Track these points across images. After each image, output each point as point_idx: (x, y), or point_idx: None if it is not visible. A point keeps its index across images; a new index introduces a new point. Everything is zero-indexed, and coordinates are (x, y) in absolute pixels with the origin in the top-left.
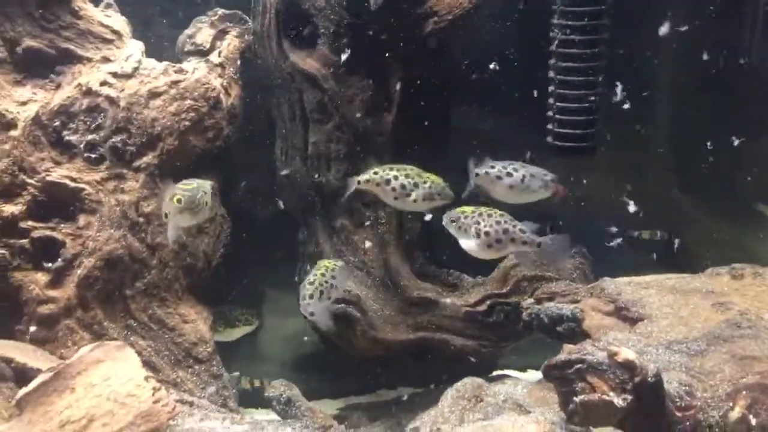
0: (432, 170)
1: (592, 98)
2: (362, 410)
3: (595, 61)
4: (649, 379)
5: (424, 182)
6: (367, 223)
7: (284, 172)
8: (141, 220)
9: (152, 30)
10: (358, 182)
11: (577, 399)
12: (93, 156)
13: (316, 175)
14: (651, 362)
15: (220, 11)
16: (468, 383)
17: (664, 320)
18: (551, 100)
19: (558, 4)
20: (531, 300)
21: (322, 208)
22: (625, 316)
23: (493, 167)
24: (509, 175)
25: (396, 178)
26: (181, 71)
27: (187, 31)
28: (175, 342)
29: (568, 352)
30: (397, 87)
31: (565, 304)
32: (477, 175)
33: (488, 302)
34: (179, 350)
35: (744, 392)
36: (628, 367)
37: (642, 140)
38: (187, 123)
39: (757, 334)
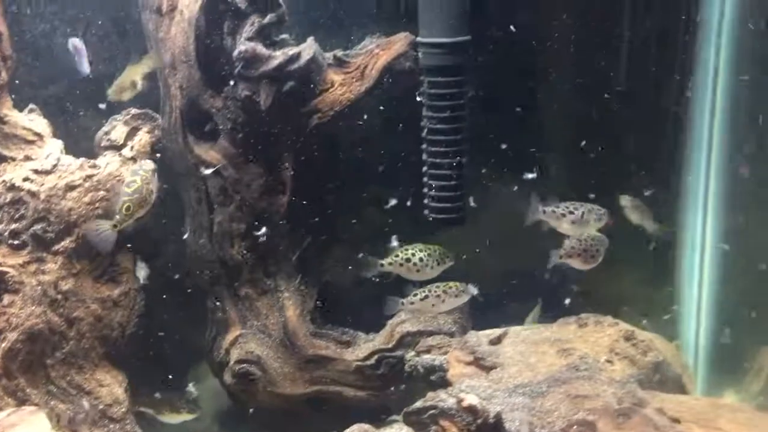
0: (325, 241)
1: (459, 177)
2: None
3: (459, 146)
4: (490, 420)
5: (434, 252)
6: (269, 290)
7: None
8: (59, 297)
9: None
10: (382, 265)
11: None
12: (16, 242)
13: (221, 251)
14: (496, 405)
15: (133, 110)
16: (355, 429)
17: (513, 367)
18: (425, 179)
19: (425, 98)
20: (413, 353)
21: (228, 279)
22: (482, 365)
23: (558, 207)
24: (571, 213)
25: (414, 255)
26: (95, 166)
27: (104, 128)
28: (92, 404)
29: (424, 399)
30: (290, 172)
31: (438, 356)
32: (545, 212)
33: (376, 356)
34: (95, 411)
35: (575, 427)
36: (472, 410)
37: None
38: (100, 211)
39: (591, 375)
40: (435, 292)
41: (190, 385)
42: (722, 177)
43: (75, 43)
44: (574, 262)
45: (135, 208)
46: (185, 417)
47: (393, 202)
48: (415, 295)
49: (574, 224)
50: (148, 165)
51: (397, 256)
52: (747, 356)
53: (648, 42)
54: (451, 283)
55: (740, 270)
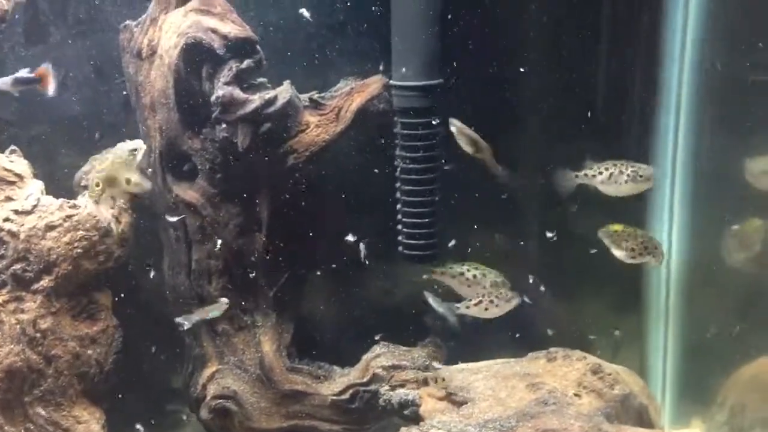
0: (301, 276)
1: (431, 214)
2: None
3: (431, 184)
4: None
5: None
6: (245, 326)
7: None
8: (38, 335)
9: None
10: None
11: None
12: None
13: (199, 288)
14: None
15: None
16: None
17: (484, 402)
18: (399, 216)
19: (398, 139)
20: (387, 387)
21: None
22: (454, 400)
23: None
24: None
25: (468, 270)
26: (74, 206)
27: (84, 168)
28: None
29: None
30: (266, 211)
31: (411, 390)
32: (577, 176)
33: (351, 391)
34: None
35: None
36: None
37: None
38: (79, 250)
39: (559, 409)
40: (488, 297)
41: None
42: (686, 210)
43: (43, 68)
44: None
45: (103, 186)
46: None
47: (352, 238)
48: (470, 300)
49: (604, 184)
50: (129, 145)
51: (451, 267)
52: (712, 386)
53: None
54: (501, 289)
55: (706, 301)
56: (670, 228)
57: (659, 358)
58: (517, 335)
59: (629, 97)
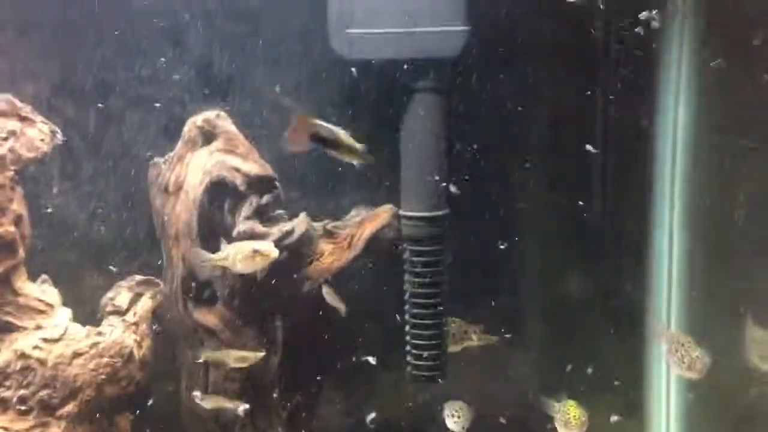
0: (313, 396)
1: (438, 337)
2: None
3: (438, 308)
4: None
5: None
6: None
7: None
8: None
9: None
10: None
11: None
12: (23, 408)
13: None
14: None
15: (137, 277)
16: None
17: None
18: (407, 338)
19: (407, 265)
20: None
21: None
22: None
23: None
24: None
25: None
26: (100, 334)
27: (109, 294)
28: None
29: None
30: (281, 334)
31: None
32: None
33: None
34: None
35: None
36: None
37: None
38: (103, 377)
39: None
40: None
41: None
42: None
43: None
44: None
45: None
46: None
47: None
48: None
49: None
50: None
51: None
52: None
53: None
54: None
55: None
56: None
57: (662, 423)
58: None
59: None
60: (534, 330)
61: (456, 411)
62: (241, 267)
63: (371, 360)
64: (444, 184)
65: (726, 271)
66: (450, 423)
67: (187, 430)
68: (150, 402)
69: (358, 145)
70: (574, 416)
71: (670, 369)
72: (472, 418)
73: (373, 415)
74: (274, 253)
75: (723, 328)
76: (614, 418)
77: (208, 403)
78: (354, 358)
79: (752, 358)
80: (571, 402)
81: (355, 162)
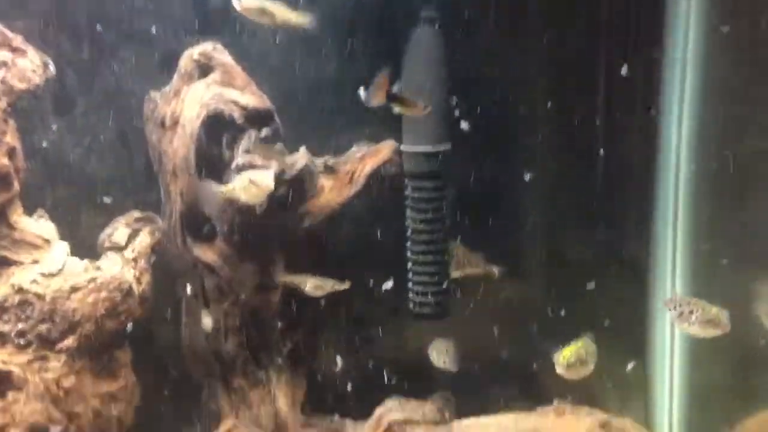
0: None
1: (440, 273)
2: None
3: (439, 244)
4: None
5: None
6: (261, 382)
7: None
8: (61, 393)
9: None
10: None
11: None
12: (22, 342)
13: (216, 345)
14: None
15: (135, 213)
16: None
17: None
18: (409, 276)
19: (408, 201)
20: None
21: (222, 372)
22: None
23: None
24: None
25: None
26: (98, 269)
27: (107, 230)
28: None
29: None
30: (282, 270)
31: None
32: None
33: None
34: None
35: None
36: None
37: None
38: (102, 311)
39: None
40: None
41: None
42: (689, 254)
43: None
44: None
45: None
46: None
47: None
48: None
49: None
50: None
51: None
52: None
53: None
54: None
55: (712, 350)
56: (673, 273)
57: (665, 410)
58: (524, 387)
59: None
60: (534, 269)
61: (444, 350)
62: (245, 198)
63: (389, 285)
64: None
65: (733, 223)
66: (437, 361)
67: (188, 366)
68: (150, 338)
69: (421, 104)
70: (564, 356)
71: (692, 332)
72: (460, 357)
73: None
74: (269, 182)
75: (729, 281)
76: (630, 366)
77: None
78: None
79: (761, 315)
80: (573, 344)
81: (414, 114)
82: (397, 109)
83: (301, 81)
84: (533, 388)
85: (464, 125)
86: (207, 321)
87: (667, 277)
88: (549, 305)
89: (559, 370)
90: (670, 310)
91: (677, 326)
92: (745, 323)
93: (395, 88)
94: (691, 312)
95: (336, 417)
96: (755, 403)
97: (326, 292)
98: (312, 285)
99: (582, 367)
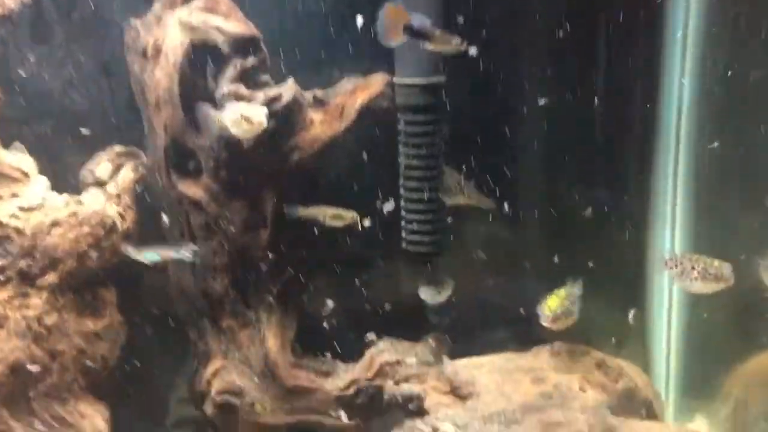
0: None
1: (434, 211)
2: None
3: (434, 181)
4: None
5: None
6: (250, 322)
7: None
8: (43, 331)
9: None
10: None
11: None
12: (1, 278)
13: (204, 284)
14: None
15: (117, 148)
16: None
17: (488, 396)
18: (402, 213)
19: (401, 136)
20: (391, 382)
21: (210, 312)
22: (459, 394)
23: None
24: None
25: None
26: (79, 203)
27: (89, 165)
28: None
29: (399, 428)
30: (271, 207)
31: (415, 385)
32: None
33: (355, 386)
34: None
35: None
36: None
37: None
38: (84, 247)
39: (563, 403)
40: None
41: None
42: (690, 197)
43: None
44: None
45: None
46: None
47: (389, 206)
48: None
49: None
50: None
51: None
52: (716, 381)
53: None
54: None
55: (710, 295)
56: (673, 224)
57: (663, 353)
58: (520, 330)
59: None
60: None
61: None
62: (236, 132)
63: (388, 206)
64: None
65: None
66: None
67: (175, 304)
68: (136, 276)
69: (452, 37)
70: (549, 307)
71: (694, 289)
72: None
73: None
74: (262, 119)
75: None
76: (632, 314)
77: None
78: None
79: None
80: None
81: (449, 51)
82: (428, 45)
83: (289, 9)
84: (528, 332)
85: (473, 51)
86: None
87: (667, 223)
88: (545, 251)
89: (545, 322)
90: (670, 269)
91: (678, 284)
92: (744, 273)
93: (416, 21)
94: (692, 267)
95: (327, 358)
96: (754, 349)
97: (345, 224)
98: (331, 215)
99: (567, 318)
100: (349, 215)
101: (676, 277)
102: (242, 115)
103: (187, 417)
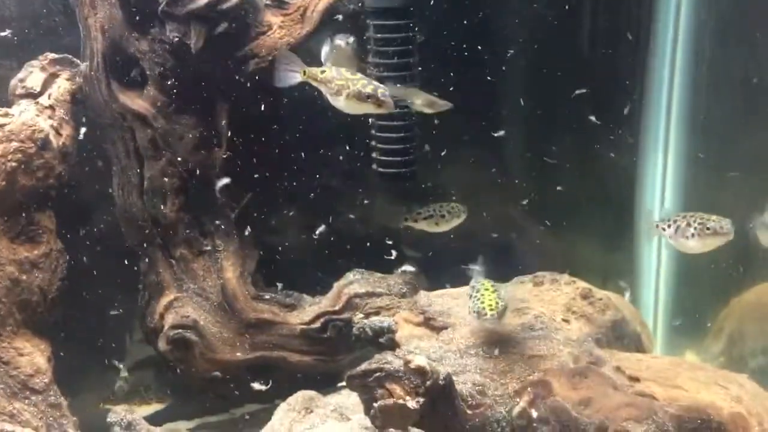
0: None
1: (407, 132)
2: (211, 429)
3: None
4: (440, 382)
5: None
6: (205, 251)
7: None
8: None
9: None
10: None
11: (375, 404)
12: None
13: (153, 209)
14: (447, 366)
15: (51, 55)
16: (299, 396)
17: (465, 328)
18: (373, 132)
19: (371, 43)
20: (361, 315)
21: (161, 239)
22: (433, 325)
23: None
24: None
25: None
26: (6, 115)
27: (19, 75)
28: (11, 375)
29: (369, 361)
30: (226, 123)
31: (386, 317)
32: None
33: (322, 319)
34: (15, 382)
35: (528, 388)
36: (420, 372)
37: None
38: (13, 164)
39: (546, 334)
40: (438, 212)
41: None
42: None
43: None
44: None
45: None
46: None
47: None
48: (419, 213)
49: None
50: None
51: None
52: (707, 315)
53: None
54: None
55: None
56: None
57: (651, 285)
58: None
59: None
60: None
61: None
62: None
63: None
64: None
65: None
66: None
67: (124, 232)
68: (77, 200)
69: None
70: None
71: (691, 247)
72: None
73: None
74: None
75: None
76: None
77: None
78: (310, 147)
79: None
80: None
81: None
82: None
83: None
84: (510, 263)
85: None
86: None
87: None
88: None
89: (491, 323)
90: (664, 230)
91: (675, 243)
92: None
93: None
94: (688, 225)
95: (291, 291)
96: (747, 281)
97: (436, 111)
98: (423, 101)
99: (506, 309)
100: (441, 103)
101: (672, 236)
102: None
103: (139, 353)
